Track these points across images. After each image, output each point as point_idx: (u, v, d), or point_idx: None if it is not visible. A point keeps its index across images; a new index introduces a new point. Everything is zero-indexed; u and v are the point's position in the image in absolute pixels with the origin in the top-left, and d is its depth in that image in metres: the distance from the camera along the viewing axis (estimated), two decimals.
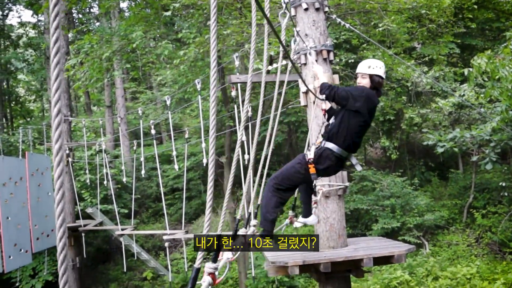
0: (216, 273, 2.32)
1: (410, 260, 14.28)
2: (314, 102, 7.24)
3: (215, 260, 2.54)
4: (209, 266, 2.32)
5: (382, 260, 6.96)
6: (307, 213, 5.06)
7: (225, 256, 2.87)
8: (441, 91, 16.41)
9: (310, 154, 4.35)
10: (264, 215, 4.30)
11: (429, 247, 15.51)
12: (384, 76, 4.55)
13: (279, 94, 5.10)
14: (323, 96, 4.48)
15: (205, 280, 2.22)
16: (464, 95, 15.08)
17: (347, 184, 7.77)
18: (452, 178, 18.16)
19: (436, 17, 14.72)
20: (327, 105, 4.78)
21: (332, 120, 4.63)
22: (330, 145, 4.34)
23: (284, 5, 4.19)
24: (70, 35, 19.41)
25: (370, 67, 4.49)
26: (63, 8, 15.68)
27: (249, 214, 3.48)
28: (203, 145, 10.54)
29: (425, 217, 15.48)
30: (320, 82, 4.61)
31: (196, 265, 1.97)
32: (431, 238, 16.03)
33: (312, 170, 4.31)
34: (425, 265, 14.05)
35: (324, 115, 4.82)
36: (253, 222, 3.98)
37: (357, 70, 4.62)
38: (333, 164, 4.37)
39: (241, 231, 3.71)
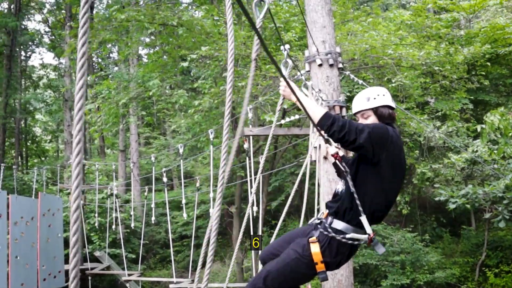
0: None
1: None
2: (325, 158, 7.16)
3: None
4: None
5: None
6: None
7: None
8: (454, 146, 16.40)
9: (313, 240, 3.01)
10: None
11: None
12: (393, 105, 3.18)
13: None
14: (325, 129, 2.90)
15: None
16: (477, 151, 15.06)
17: None
18: (464, 235, 17.89)
19: (450, 73, 14.90)
20: (339, 150, 3.24)
21: (341, 186, 3.11)
22: (340, 225, 2.98)
23: (285, 53, 3.37)
24: (88, 78, 19.85)
25: (370, 98, 3.18)
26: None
27: None
28: (211, 194, 10.55)
29: (436, 274, 15.18)
30: (316, 109, 3.00)
31: None
32: None
33: (320, 266, 3.06)
34: None
35: (335, 164, 3.24)
36: None
37: (354, 110, 3.28)
38: (348, 253, 3.13)
39: None
